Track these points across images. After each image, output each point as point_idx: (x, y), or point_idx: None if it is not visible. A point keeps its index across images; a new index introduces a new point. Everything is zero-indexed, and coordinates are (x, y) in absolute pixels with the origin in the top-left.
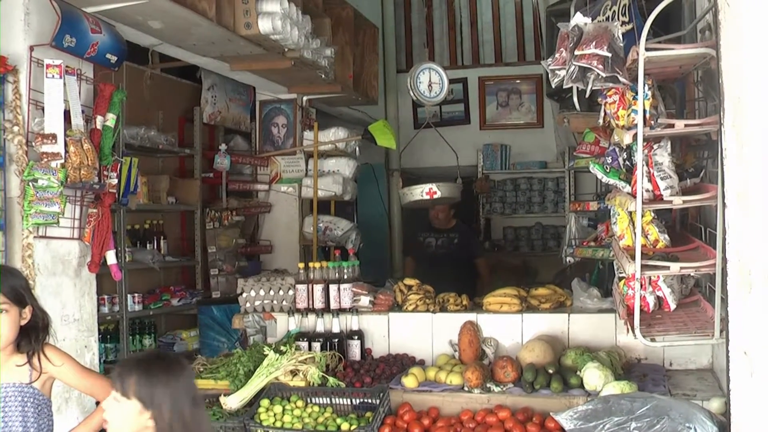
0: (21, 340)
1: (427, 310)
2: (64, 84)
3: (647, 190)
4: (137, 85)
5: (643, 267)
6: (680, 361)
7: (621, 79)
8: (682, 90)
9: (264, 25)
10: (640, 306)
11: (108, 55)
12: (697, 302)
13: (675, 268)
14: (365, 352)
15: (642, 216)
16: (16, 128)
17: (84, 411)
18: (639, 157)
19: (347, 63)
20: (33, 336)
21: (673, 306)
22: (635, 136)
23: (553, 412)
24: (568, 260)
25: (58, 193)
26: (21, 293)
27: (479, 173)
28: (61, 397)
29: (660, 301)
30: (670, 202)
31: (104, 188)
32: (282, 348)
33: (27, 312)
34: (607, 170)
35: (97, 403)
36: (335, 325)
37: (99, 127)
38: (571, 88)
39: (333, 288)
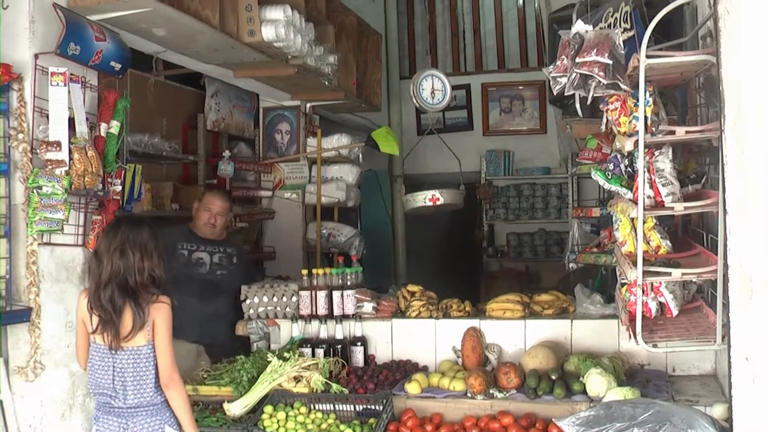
0: None
1: (430, 317)
2: (69, 91)
3: (649, 197)
4: (141, 93)
5: (645, 273)
6: (683, 367)
7: (622, 86)
8: (683, 96)
9: (267, 33)
10: (643, 312)
11: (112, 63)
12: (699, 308)
13: (677, 274)
14: (368, 358)
15: (644, 222)
16: (20, 135)
17: (88, 417)
18: (640, 164)
19: (350, 70)
20: None
21: (675, 312)
22: (636, 142)
23: (556, 418)
24: (571, 266)
25: (63, 200)
26: None
27: (482, 179)
28: (65, 403)
29: (662, 307)
30: (672, 208)
31: (108, 195)
32: (285, 354)
33: None
34: (609, 177)
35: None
36: (338, 331)
37: (103, 134)
38: (573, 94)
39: (336, 294)
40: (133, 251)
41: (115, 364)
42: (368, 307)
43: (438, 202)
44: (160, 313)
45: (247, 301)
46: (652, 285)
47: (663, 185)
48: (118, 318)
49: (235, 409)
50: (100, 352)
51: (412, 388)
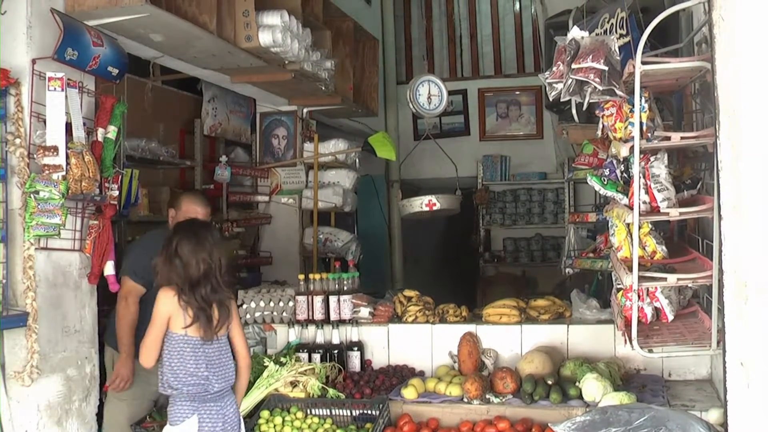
0: None
1: (427, 322)
2: (66, 96)
3: (644, 202)
4: (138, 98)
5: (641, 278)
6: (679, 372)
7: (618, 92)
8: (679, 102)
9: (264, 38)
10: (638, 317)
11: (109, 68)
12: (694, 313)
13: (672, 279)
14: (365, 363)
15: (639, 227)
16: (18, 140)
17: (84, 422)
18: (636, 170)
19: (347, 75)
20: None
21: (670, 317)
22: (632, 148)
23: (552, 423)
24: (567, 271)
25: (60, 204)
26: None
27: (479, 184)
28: (62, 408)
29: (658, 312)
30: (667, 213)
31: (105, 200)
32: (282, 359)
33: None
34: (605, 182)
35: (98, 414)
36: (335, 336)
37: (100, 139)
38: (570, 100)
39: (333, 299)
40: (214, 251)
41: (206, 354)
42: (365, 312)
43: (434, 208)
44: (234, 306)
45: (244, 306)
46: (647, 290)
47: (658, 191)
48: (211, 312)
49: None
50: (191, 344)
51: (409, 393)
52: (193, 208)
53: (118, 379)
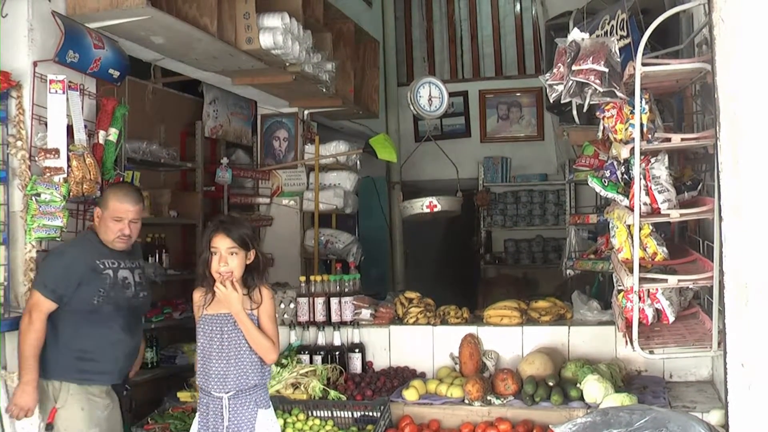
0: (246, 276)
1: (428, 323)
2: (67, 99)
3: (645, 204)
4: (139, 100)
5: (642, 280)
6: (680, 373)
7: (618, 93)
8: (679, 104)
9: (265, 40)
10: (639, 318)
11: (110, 71)
12: (695, 314)
13: (673, 281)
14: (366, 364)
15: (640, 229)
16: (19, 143)
17: None
18: (636, 171)
19: (348, 77)
20: (255, 274)
21: (671, 318)
22: (633, 149)
23: (553, 425)
24: (568, 273)
25: (61, 207)
26: (247, 240)
27: (480, 186)
28: None
29: (659, 313)
30: (668, 215)
31: None
32: (283, 361)
33: (251, 254)
34: (606, 184)
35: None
36: (336, 338)
37: (101, 141)
38: (570, 102)
39: (334, 301)
40: None
41: None
42: (366, 313)
43: (435, 209)
44: None
45: None
46: (648, 292)
47: (659, 192)
48: None
49: None
50: None
51: (410, 394)
52: (123, 207)
53: (17, 409)
